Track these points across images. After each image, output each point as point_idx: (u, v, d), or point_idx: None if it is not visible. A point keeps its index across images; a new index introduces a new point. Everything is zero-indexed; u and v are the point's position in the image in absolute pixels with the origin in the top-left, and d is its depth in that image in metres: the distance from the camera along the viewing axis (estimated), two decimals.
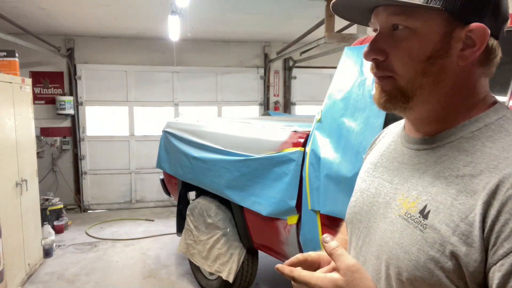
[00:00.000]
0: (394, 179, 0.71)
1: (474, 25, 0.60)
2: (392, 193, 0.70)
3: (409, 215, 0.63)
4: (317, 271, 0.69)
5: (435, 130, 0.67)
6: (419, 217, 0.61)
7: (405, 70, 0.64)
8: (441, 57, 0.62)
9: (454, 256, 0.55)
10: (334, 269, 0.66)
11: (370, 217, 0.73)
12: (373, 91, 0.72)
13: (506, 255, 0.51)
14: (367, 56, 0.67)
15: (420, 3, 0.60)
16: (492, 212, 0.53)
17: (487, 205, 0.54)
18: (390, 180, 0.72)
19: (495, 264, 0.52)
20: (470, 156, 0.60)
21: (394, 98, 0.66)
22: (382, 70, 0.66)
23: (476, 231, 0.54)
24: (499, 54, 0.65)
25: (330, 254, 0.65)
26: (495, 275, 0.52)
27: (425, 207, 0.61)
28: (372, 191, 0.76)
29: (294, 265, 0.71)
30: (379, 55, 0.66)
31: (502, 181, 0.54)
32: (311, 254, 0.75)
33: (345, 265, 0.63)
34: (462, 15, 0.60)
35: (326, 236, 0.67)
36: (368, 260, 0.71)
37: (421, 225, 0.61)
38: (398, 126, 0.80)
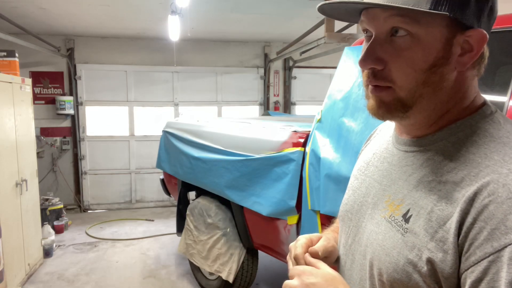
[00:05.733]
0: (383, 180, 0.71)
1: (473, 30, 0.59)
2: (380, 194, 0.70)
3: (393, 218, 0.64)
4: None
5: (424, 132, 0.66)
6: (402, 220, 0.62)
7: (407, 81, 0.61)
8: (442, 65, 0.60)
9: (430, 261, 0.56)
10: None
11: (360, 217, 0.74)
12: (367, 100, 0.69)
13: (477, 262, 0.52)
14: (364, 65, 0.63)
15: (426, 9, 0.56)
16: (468, 220, 0.53)
17: (465, 213, 0.54)
18: (379, 181, 0.72)
19: (466, 270, 0.53)
20: (454, 162, 0.60)
21: (394, 109, 0.64)
22: (380, 80, 0.63)
23: (452, 238, 0.54)
24: (487, 53, 0.64)
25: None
26: (466, 281, 0.53)
27: (408, 211, 0.62)
28: (363, 190, 0.76)
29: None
30: (378, 64, 0.62)
31: (480, 189, 0.54)
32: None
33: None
34: (464, 20, 0.58)
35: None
36: (356, 259, 0.73)
37: (402, 229, 0.61)
38: (391, 124, 0.80)
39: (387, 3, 0.58)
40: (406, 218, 0.61)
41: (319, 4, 0.65)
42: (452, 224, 0.55)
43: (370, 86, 0.65)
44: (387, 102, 0.63)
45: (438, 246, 0.56)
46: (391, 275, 0.61)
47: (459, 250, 0.54)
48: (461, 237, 0.54)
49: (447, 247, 0.55)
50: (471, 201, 0.54)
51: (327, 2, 0.64)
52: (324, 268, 0.69)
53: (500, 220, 0.51)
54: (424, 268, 0.57)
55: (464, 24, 0.59)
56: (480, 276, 0.51)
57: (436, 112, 0.64)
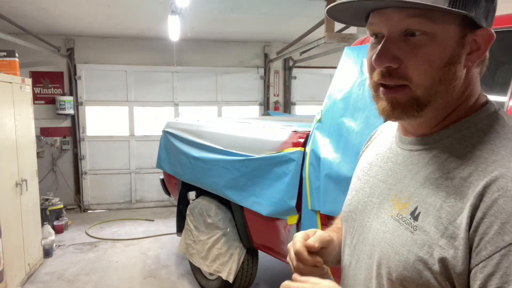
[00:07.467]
0: (388, 179, 0.71)
1: (482, 29, 0.61)
2: (386, 193, 0.70)
3: (400, 216, 0.64)
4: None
5: (429, 131, 0.67)
6: (410, 218, 0.62)
7: (424, 78, 0.61)
8: (455, 63, 0.61)
9: (442, 258, 0.56)
10: None
11: (364, 217, 0.74)
12: (376, 103, 0.67)
13: (488, 256, 0.52)
14: (379, 63, 0.62)
15: (445, 6, 0.56)
16: (478, 214, 0.54)
17: (474, 208, 0.54)
18: (384, 180, 0.72)
19: (477, 265, 0.53)
20: (461, 158, 0.60)
21: (409, 109, 0.63)
22: (396, 78, 0.62)
23: (463, 234, 0.55)
24: (488, 52, 0.65)
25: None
26: (477, 276, 0.53)
27: (415, 208, 0.62)
28: (367, 190, 0.76)
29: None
30: (393, 62, 0.61)
31: (489, 184, 0.54)
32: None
33: None
34: (476, 19, 0.60)
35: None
36: (361, 259, 0.73)
37: (411, 227, 0.61)
38: (393, 125, 0.80)
39: (403, 4, 0.57)
40: (414, 215, 0.61)
41: (333, 4, 0.63)
42: (463, 220, 0.55)
43: (381, 88, 0.65)
44: (402, 103, 0.63)
45: (449, 242, 0.56)
46: (401, 273, 0.61)
47: (470, 246, 0.54)
48: (471, 232, 0.54)
49: (458, 243, 0.55)
50: (481, 196, 0.54)
51: (340, 2, 0.62)
52: (321, 283, 0.68)
53: (510, 214, 0.51)
54: (436, 265, 0.57)
55: (474, 23, 0.60)
56: (492, 271, 0.51)
57: (446, 110, 0.64)
